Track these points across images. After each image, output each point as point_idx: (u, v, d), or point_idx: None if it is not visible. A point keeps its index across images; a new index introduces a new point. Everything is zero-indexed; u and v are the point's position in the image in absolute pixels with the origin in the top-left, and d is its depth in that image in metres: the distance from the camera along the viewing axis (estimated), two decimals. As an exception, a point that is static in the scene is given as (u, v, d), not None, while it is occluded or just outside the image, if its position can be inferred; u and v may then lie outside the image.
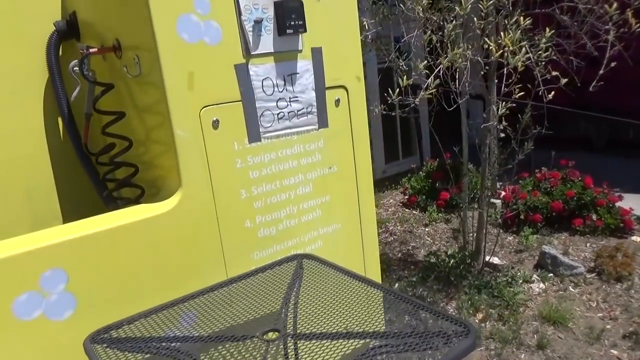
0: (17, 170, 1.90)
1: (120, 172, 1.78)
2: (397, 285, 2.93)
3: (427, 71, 2.28)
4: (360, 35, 2.08)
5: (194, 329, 1.30)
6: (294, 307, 1.37)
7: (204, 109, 1.46)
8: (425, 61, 2.30)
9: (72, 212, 2.04)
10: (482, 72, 2.63)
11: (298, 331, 1.25)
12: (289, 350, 1.20)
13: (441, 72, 2.34)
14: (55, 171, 2.00)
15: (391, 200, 4.67)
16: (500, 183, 4.03)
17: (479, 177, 3.06)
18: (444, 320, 1.23)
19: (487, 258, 3.04)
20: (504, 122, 2.44)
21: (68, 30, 1.88)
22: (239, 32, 1.50)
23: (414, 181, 4.53)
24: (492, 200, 3.82)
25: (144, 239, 1.40)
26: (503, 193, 3.94)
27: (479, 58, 2.34)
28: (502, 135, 2.59)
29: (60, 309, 1.27)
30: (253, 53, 1.53)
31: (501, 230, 3.66)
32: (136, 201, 1.68)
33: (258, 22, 1.52)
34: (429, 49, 2.34)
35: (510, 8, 2.26)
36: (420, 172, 4.60)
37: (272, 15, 1.55)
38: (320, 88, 1.73)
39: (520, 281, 2.94)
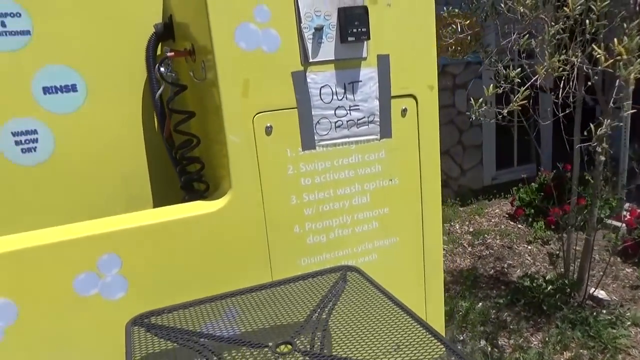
0: (116, 157, 2.14)
1: (191, 167, 1.91)
2: (480, 304, 2.72)
3: (519, 80, 2.05)
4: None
5: (231, 327, 1.35)
6: (322, 323, 1.36)
7: (257, 115, 1.50)
8: (519, 68, 2.07)
9: (161, 196, 2.25)
10: (590, 83, 2.28)
11: (313, 349, 1.24)
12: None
13: (538, 81, 2.08)
14: (149, 160, 2.22)
15: (497, 210, 4.35)
16: (629, 204, 3.51)
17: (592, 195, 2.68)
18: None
19: (591, 290, 2.67)
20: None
21: (165, 32, 2.05)
22: (298, 40, 1.50)
23: (523, 192, 4.14)
24: (615, 223, 3.35)
25: (192, 235, 1.49)
26: (628, 216, 3.42)
27: (584, 67, 2.03)
28: (603, 158, 2.23)
29: (113, 290, 1.42)
30: (312, 60, 1.52)
31: (619, 260, 3.19)
32: (201, 195, 1.79)
33: (319, 30, 1.50)
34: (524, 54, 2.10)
35: (638, 8, 1.91)
36: (533, 184, 4.19)
37: (335, 22, 1.52)
38: (385, 97, 1.66)
39: (628, 323, 2.53)
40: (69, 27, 2.01)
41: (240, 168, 1.50)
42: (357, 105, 1.62)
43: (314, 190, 1.62)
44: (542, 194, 3.96)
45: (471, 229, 4.00)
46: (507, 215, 4.20)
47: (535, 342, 2.41)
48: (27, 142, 2.02)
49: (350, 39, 1.52)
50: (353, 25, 1.51)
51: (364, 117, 1.64)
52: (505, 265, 3.26)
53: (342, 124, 1.61)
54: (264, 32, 1.46)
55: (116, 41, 2.08)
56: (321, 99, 1.57)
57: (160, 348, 1.27)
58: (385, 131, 1.69)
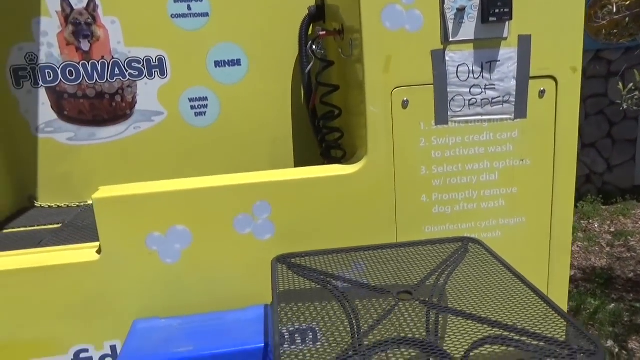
0: (267, 123, 2.46)
1: (331, 136, 2.12)
2: (612, 305, 2.57)
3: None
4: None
5: (359, 277, 1.54)
6: (440, 282, 1.47)
7: (395, 90, 1.64)
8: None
9: (301, 160, 2.53)
10: None
11: (429, 300, 1.37)
12: (412, 314, 1.33)
13: None
14: (293, 128, 2.50)
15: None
16: None
17: None
18: (578, 334, 1.16)
19: None
20: None
21: (317, 14, 2.28)
22: (440, 20, 1.60)
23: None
24: None
25: (330, 193, 1.69)
26: None
27: None
28: None
29: (263, 232, 1.69)
30: (452, 40, 1.62)
31: None
32: (339, 161, 2.00)
33: (461, 10, 1.58)
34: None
35: None
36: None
37: (478, 2, 1.59)
38: (523, 77, 1.69)
39: None
40: (239, 9, 2.34)
41: (376, 137, 1.67)
42: (493, 85, 1.68)
43: (443, 163, 1.72)
44: None
45: (612, 229, 3.70)
46: None
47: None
48: (200, 107, 2.42)
49: (492, 19, 1.58)
50: (496, 5, 1.56)
51: (499, 97, 1.69)
52: (649, 271, 2.98)
53: (476, 102, 1.68)
54: (409, 13, 1.58)
55: (274, 22, 2.37)
56: (457, 77, 1.65)
57: (299, 284, 1.50)
58: (520, 111, 1.71)
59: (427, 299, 1.37)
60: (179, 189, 1.64)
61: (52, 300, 1.65)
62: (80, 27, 2.26)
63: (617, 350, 2.18)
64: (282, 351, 1.11)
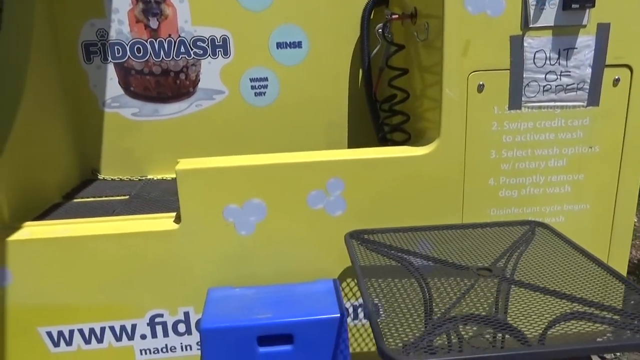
0: (324, 106, 2.50)
1: (395, 119, 2.16)
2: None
3: None
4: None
5: (427, 253, 1.59)
6: (513, 262, 1.52)
7: (472, 74, 1.67)
8: None
9: (355, 143, 2.56)
10: None
11: (509, 277, 1.41)
12: (493, 289, 1.38)
13: None
14: (349, 111, 2.54)
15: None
16: None
17: None
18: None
19: None
20: None
21: (381, -1, 2.31)
22: (522, 6, 1.62)
23: None
24: None
25: (401, 172, 1.74)
26: None
27: None
28: None
29: (335, 208, 1.75)
30: (531, 26, 1.64)
31: None
32: (402, 144, 2.03)
33: (543, -4, 1.60)
34: None
35: None
36: None
37: (561, -11, 1.60)
38: (599, 65, 1.70)
39: None
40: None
41: (450, 120, 1.70)
42: (569, 72, 1.69)
43: (513, 148, 1.75)
44: None
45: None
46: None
47: None
48: (260, 87, 2.47)
49: (574, 5, 1.59)
50: (580, -8, 1.58)
51: (574, 84, 1.71)
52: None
53: (551, 88, 1.70)
54: (491, -2, 1.60)
55: (336, 6, 2.40)
56: (534, 63, 1.67)
57: (373, 260, 1.55)
58: (593, 99, 1.73)
59: (506, 276, 1.42)
60: (257, 164, 1.70)
61: (133, 265, 1.73)
62: (150, 5, 2.32)
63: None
64: (378, 320, 1.16)
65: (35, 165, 1.99)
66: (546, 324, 1.24)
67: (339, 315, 1.56)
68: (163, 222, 1.76)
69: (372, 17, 2.32)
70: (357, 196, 1.74)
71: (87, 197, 2.22)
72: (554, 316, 1.27)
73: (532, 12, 1.61)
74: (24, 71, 1.96)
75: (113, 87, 2.41)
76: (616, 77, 1.72)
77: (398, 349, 1.06)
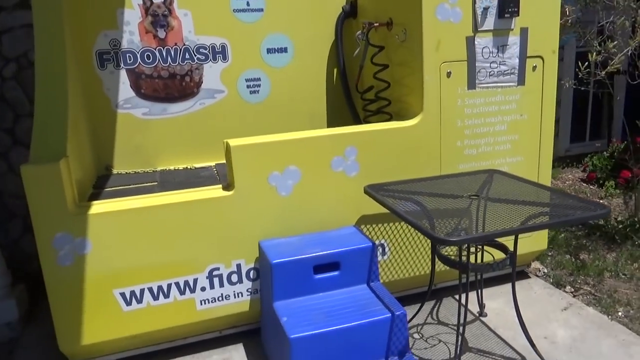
0: (307, 100, 3.01)
1: (373, 106, 2.74)
2: (562, 235, 3.44)
3: (616, 50, 2.74)
4: (561, 19, 2.68)
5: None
6: (486, 192, 2.16)
7: (443, 64, 2.30)
8: (615, 42, 2.76)
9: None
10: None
11: (490, 197, 2.04)
12: (486, 207, 1.99)
13: (629, 52, 2.77)
14: (328, 103, 3.08)
15: (569, 176, 4.97)
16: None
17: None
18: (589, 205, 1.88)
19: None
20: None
21: (351, 11, 2.90)
22: (472, 15, 2.29)
23: (596, 160, 4.76)
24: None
25: (397, 140, 2.31)
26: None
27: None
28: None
29: (351, 170, 2.27)
30: (479, 29, 2.31)
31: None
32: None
33: (486, 9, 2.29)
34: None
35: None
36: (605, 152, 4.80)
37: (497, 3, 2.30)
38: (523, 56, 2.43)
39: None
40: (288, 6, 2.88)
41: (429, 98, 2.32)
42: (504, 61, 2.40)
43: (472, 118, 2.42)
44: (613, 160, 4.57)
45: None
46: (579, 180, 4.83)
47: (610, 259, 3.10)
48: (254, 86, 2.93)
49: (506, 15, 2.30)
50: (509, 6, 2.29)
51: (508, 70, 2.42)
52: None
53: (494, 73, 2.40)
54: (453, 10, 2.26)
55: (315, 17, 2.95)
56: (482, 56, 2.36)
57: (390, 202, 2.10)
58: (521, 80, 2.46)
59: (489, 197, 2.04)
60: (293, 138, 2.18)
61: (194, 228, 2.10)
62: (158, 18, 2.68)
63: (573, 260, 3.04)
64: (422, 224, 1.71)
65: (78, 163, 2.26)
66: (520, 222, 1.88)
67: (371, 244, 2.08)
68: (216, 191, 2.15)
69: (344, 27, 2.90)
70: (368, 159, 2.28)
71: (117, 186, 2.49)
72: (524, 217, 1.91)
73: (479, 19, 2.29)
74: (65, 79, 2.20)
75: (125, 90, 2.71)
76: (534, 65, 2.46)
77: (445, 234, 1.62)
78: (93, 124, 2.65)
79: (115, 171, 2.76)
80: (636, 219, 3.43)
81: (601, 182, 4.56)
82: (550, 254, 3.22)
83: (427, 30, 2.24)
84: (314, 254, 2.02)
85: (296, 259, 1.99)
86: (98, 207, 2.01)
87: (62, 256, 1.95)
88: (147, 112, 2.77)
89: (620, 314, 2.48)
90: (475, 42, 2.33)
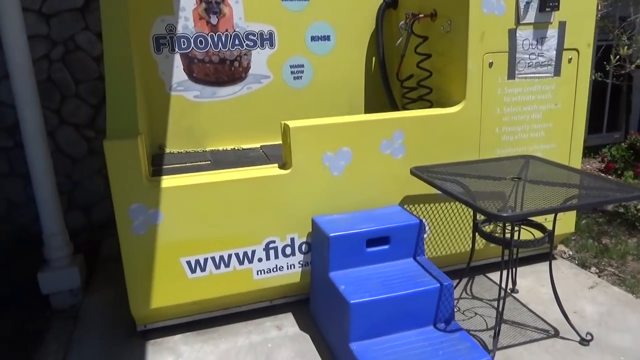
0: (347, 85, 3.16)
1: (413, 94, 2.89)
2: (584, 221, 3.60)
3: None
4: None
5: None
6: (526, 173, 2.31)
7: (485, 54, 2.45)
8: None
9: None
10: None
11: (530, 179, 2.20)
12: (526, 188, 2.15)
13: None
14: (367, 90, 3.23)
15: (587, 166, 5.12)
16: None
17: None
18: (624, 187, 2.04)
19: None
20: None
21: (392, 2, 3.03)
22: (515, 9, 2.43)
23: (614, 150, 4.90)
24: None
25: (441, 125, 2.46)
26: None
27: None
28: None
29: (398, 153, 2.43)
30: (521, 22, 2.45)
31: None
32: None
33: (528, 2, 2.42)
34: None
35: None
36: (623, 144, 4.93)
37: (538, -2, 2.44)
38: (560, 49, 2.57)
39: None
40: (332, -5, 3.02)
41: (472, 87, 2.46)
42: (543, 53, 2.54)
43: (510, 106, 2.56)
44: (632, 151, 4.71)
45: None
46: (597, 170, 4.98)
47: (631, 244, 3.27)
48: (298, 72, 3.07)
49: (547, 9, 2.43)
50: (550, 0, 2.42)
51: (546, 61, 2.56)
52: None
53: (532, 64, 2.54)
54: (498, 3, 2.39)
55: (357, 7, 3.08)
56: (522, 47, 2.50)
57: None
58: (557, 71, 2.60)
59: (529, 179, 2.20)
60: (347, 121, 2.33)
61: (254, 203, 2.27)
62: (211, 5, 2.82)
63: (597, 244, 3.21)
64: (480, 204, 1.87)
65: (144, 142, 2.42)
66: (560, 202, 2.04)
67: (418, 221, 2.25)
68: (275, 169, 2.32)
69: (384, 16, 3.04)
70: (414, 143, 2.44)
71: (174, 164, 2.65)
72: (563, 198, 2.07)
73: (522, 13, 2.43)
74: (131, 62, 2.34)
75: (178, 73, 2.86)
76: (570, 57, 2.60)
77: (497, 211, 1.78)
78: (148, 105, 2.80)
79: (167, 150, 2.92)
80: (656, 208, 3.59)
81: (619, 172, 4.70)
82: (573, 238, 3.38)
83: (473, 22, 2.38)
84: (367, 229, 2.19)
85: (351, 233, 2.16)
86: (169, 181, 2.17)
87: (136, 226, 2.12)
88: (198, 95, 2.92)
89: (643, 293, 2.65)
90: (517, 34, 2.47)
